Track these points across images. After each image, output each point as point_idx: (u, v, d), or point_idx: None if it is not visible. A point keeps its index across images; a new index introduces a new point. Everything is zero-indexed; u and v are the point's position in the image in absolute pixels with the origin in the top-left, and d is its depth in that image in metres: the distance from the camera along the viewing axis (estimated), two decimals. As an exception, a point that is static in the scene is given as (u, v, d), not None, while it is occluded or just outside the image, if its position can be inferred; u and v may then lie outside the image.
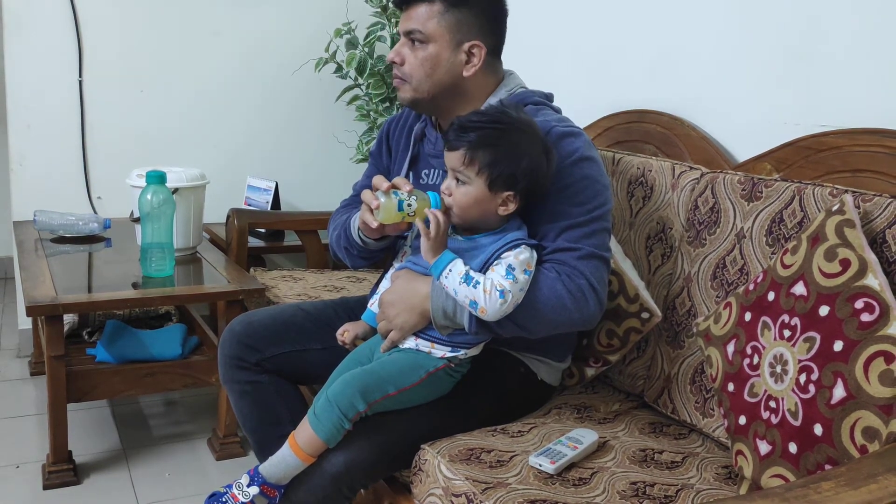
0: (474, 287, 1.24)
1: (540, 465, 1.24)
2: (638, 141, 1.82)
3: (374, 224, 1.33)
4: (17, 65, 2.53)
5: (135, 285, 2.01)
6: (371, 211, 1.34)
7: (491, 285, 1.24)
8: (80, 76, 2.59)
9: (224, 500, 1.24)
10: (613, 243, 1.59)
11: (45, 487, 1.89)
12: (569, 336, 1.55)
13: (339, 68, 2.76)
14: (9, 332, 2.80)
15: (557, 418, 1.48)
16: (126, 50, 2.66)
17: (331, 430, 1.24)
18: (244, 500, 1.23)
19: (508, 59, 1.64)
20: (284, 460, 1.26)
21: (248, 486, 1.24)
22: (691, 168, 1.56)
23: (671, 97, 1.80)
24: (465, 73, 1.46)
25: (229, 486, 1.26)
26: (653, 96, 1.84)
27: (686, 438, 1.43)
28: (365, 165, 2.74)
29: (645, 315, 1.51)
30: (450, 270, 1.26)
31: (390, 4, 2.67)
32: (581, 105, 1.93)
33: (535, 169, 1.29)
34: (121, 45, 2.65)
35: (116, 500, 1.88)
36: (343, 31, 2.73)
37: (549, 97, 1.55)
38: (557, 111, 1.52)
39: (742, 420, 1.22)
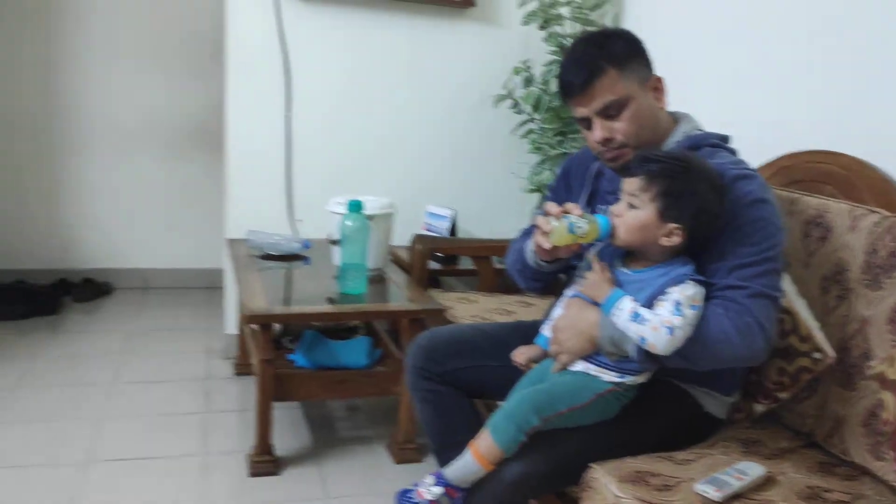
0: (642, 324, 1.33)
1: (706, 493, 1.30)
2: (816, 181, 1.82)
3: (547, 246, 1.44)
4: (235, 102, 2.89)
5: (330, 300, 2.25)
6: (544, 234, 1.46)
7: (659, 322, 1.32)
8: (288, 112, 2.92)
9: (411, 496, 1.40)
10: (788, 283, 1.62)
11: (251, 475, 2.16)
12: (736, 371, 1.60)
13: (515, 104, 2.92)
14: (217, 337, 3.18)
15: (724, 451, 1.52)
16: (327, 91, 2.95)
17: (508, 440, 1.38)
18: (430, 498, 1.39)
19: (687, 99, 1.73)
20: (466, 465, 1.40)
21: (434, 486, 1.40)
22: (871, 211, 1.56)
23: (852, 137, 1.79)
24: (660, 106, 1.56)
25: (416, 485, 1.42)
26: (832, 136, 1.84)
27: (856, 480, 1.43)
28: (535, 196, 2.90)
29: (817, 355, 1.53)
30: (619, 309, 1.36)
31: (566, 43, 2.80)
32: (758, 144, 1.96)
33: (705, 208, 1.37)
34: (323, 86, 2.94)
35: (309, 492, 2.12)
36: (521, 70, 2.90)
37: (725, 139, 1.60)
38: (733, 153, 1.57)
39: (917, 466, 1.23)
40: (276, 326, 2.52)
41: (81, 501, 1.99)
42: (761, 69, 2.11)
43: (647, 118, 1.52)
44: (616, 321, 1.36)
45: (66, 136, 3.72)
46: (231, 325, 3.02)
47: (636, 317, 1.34)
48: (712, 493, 1.30)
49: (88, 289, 3.70)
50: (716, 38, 2.30)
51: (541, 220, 1.47)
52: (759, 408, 1.64)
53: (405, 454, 2.28)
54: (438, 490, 1.39)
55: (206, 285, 3.86)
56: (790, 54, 2.01)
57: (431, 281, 2.78)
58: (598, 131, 1.52)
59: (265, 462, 2.17)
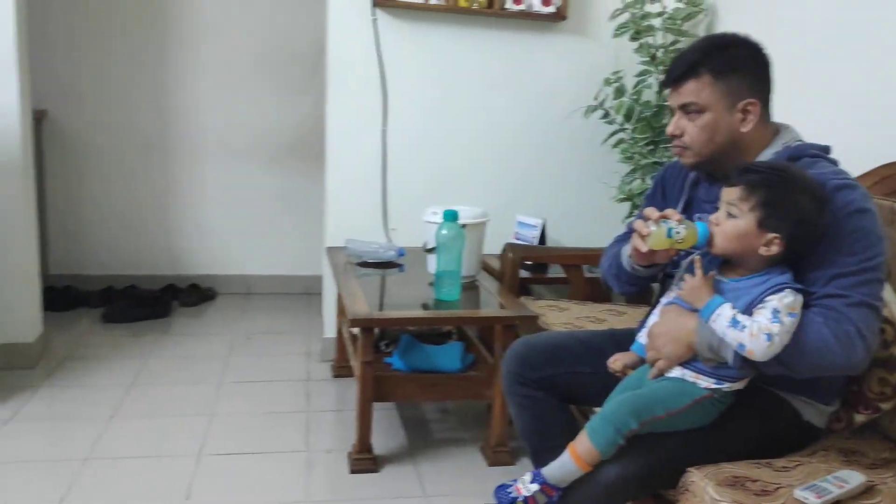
0: (741, 331, 1.35)
1: (806, 499, 1.32)
2: (919, 190, 1.80)
3: (644, 249, 1.49)
4: (335, 117, 3.03)
5: (424, 306, 2.34)
6: (642, 238, 1.50)
7: (758, 329, 1.34)
8: (384, 126, 3.04)
9: (510, 490, 1.47)
10: (889, 293, 1.61)
11: (352, 472, 2.27)
12: (836, 380, 1.59)
13: (606, 114, 2.95)
14: (316, 340, 3.32)
15: (823, 459, 1.52)
16: (421, 105, 3.06)
17: (606, 443, 1.42)
18: (526, 494, 1.44)
19: (784, 110, 1.73)
20: (564, 465, 1.45)
21: (531, 482, 1.46)
22: (978, 220, 1.53)
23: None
24: (742, 130, 1.57)
25: (514, 481, 1.49)
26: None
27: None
28: (625, 205, 2.92)
29: (921, 366, 1.51)
30: (718, 315, 1.38)
31: (658, 54, 2.82)
32: (858, 153, 1.94)
33: (805, 218, 1.38)
34: (417, 100, 3.05)
35: (406, 490, 2.21)
36: (612, 80, 2.93)
37: (826, 150, 1.60)
38: (834, 163, 1.57)
39: None
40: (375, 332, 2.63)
41: (195, 491, 2.14)
42: (859, 78, 2.09)
43: (719, 133, 1.55)
44: (715, 327, 1.39)
45: (177, 151, 3.98)
46: (329, 328, 3.15)
47: (735, 323, 1.37)
48: (812, 499, 1.31)
49: (194, 294, 3.93)
50: (811, 46, 2.28)
51: (639, 224, 1.51)
52: (860, 418, 1.63)
53: (498, 457, 2.34)
54: (535, 487, 1.45)
55: (305, 291, 4.04)
56: (889, 63, 1.98)
57: (522, 289, 2.83)
58: (672, 124, 1.60)
59: (365, 460, 2.28)
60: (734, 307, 1.39)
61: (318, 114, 3.37)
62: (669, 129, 1.62)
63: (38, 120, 3.61)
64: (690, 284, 1.47)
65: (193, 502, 2.08)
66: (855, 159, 1.91)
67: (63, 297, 3.69)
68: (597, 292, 2.72)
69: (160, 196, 4.00)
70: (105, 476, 2.19)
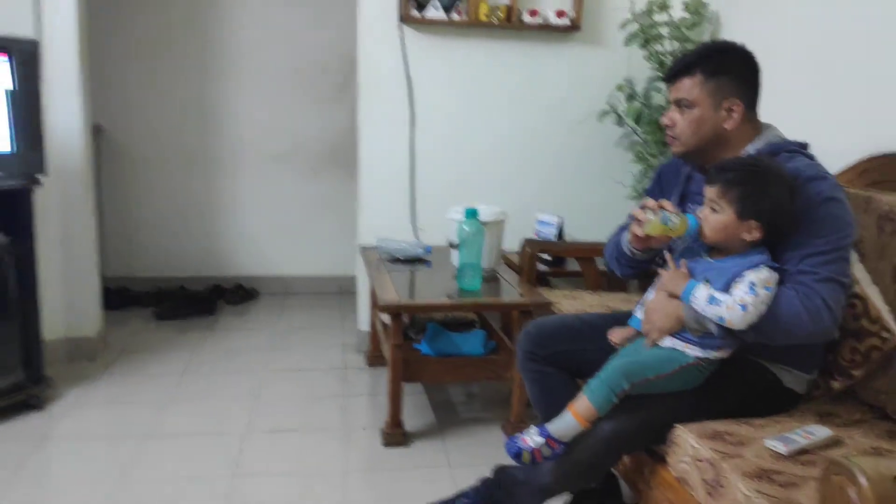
0: (718, 305, 1.56)
1: (775, 447, 1.51)
2: (893, 181, 1.97)
3: (641, 234, 1.71)
4: (367, 125, 3.27)
5: (449, 296, 2.57)
6: (640, 224, 1.71)
7: (733, 302, 1.55)
8: (412, 133, 3.28)
9: (518, 441, 1.68)
10: (861, 271, 1.80)
11: (385, 445, 2.50)
12: (814, 350, 1.78)
13: (618, 118, 3.15)
14: (350, 333, 3.57)
15: (799, 420, 1.70)
16: (446, 112, 3.29)
17: (602, 401, 1.63)
18: (533, 446, 1.66)
19: (770, 108, 1.93)
20: (566, 422, 1.66)
21: (537, 436, 1.67)
22: (938, 205, 1.71)
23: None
24: (725, 127, 1.78)
25: (521, 434, 1.70)
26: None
27: (921, 445, 1.58)
28: (638, 202, 3.11)
29: (885, 335, 1.70)
30: (695, 296, 1.59)
31: (666, 60, 3.01)
32: (839, 148, 2.13)
33: (779, 205, 1.58)
34: (442, 108, 3.28)
35: (434, 461, 2.43)
36: (624, 87, 3.13)
37: (804, 146, 1.79)
38: (810, 158, 1.76)
39: (966, 425, 1.39)
40: (404, 320, 2.86)
41: (244, 462, 2.38)
42: (843, 80, 2.27)
43: (704, 128, 1.76)
44: (695, 306, 1.59)
45: (220, 161, 4.27)
46: (364, 322, 3.39)
47: (712, 300, 1.57)
48: (780, 447, 1.50)
49: (238, 293, 4.20)
50: (801, 51, 2.46)
51: (638, 212, 1.73)
52: (836, 385, 1.81)
53: (519, 431, 2.54)
54: (541, 440, 1.66)
55: (340, 290, 4.31)
56: (869, 68, 2.16)
57: (541, 281, 3.04)
58: (666, 116, 1.83)
59: (396, 434, 2.50)
60: (710, 285, 1.59)
61: (351, 123, 3.62)
62: (662, 120, 1.86)
63: (94, 134, 3.91)
64: (667, 276, 1.68)
65: (243, 471, 2.32)
66: (838, 154, 2.12)
67: (118, 297, 3.99)
68: (610, 283, 2.93)
69: (205, 203, 4.29)
70: (163, 450, 2.45)
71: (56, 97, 2.99)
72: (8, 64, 2.56)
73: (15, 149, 2.60)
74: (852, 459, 1.03)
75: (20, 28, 2.85)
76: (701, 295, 1.59)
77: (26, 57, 2.61)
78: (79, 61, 3.06)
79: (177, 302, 3.96)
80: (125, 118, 4.13)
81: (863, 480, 1.01)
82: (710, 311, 1.57)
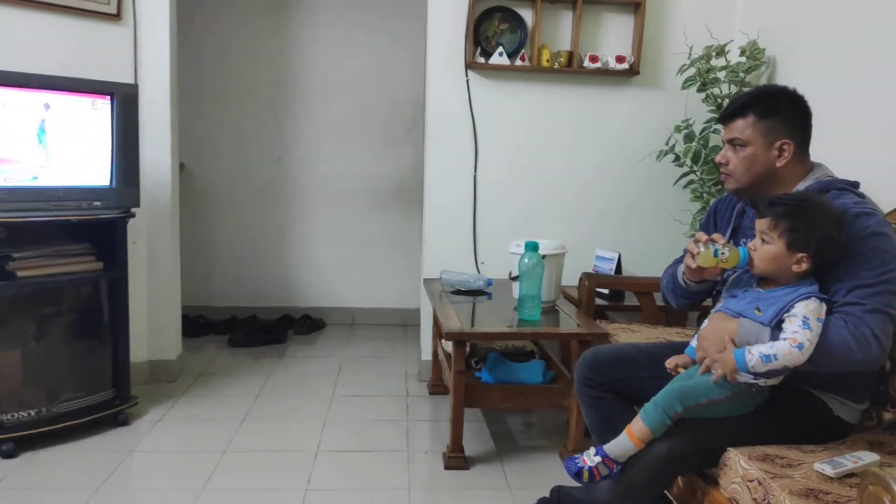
0: (775, 359, 1.63)
1: (823, 470, 1.57)
2: (947, 219, 2.03)
3: (693, 265, 1.80)
4: (433, 164, 3.45)
5: (509, 326, 2.69)
6: (693, 257, 1.81)
7: (788, 346, 1.61)
8: (475, 172, 3.44)
9: (577, 460, 1.78)
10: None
11: (446, 468, 2.61)
12: (866, 380, 1.83)
13: (676, 158, 3.25)
14: (413, 363, 3.72)
15: (849, 447, 1.75)
16: (508, 152, 3.45)
17: (656, 423, 1.72)
18: (591, 464, 1.75)
19: (823, 150, 2.01)
20: (622, 443, 1.75)
21: (595, 455, 1.77)
22: None
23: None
24: (777, 165, 1.88)
25: (581, 454, 1.80)
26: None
27: (971, 476, 1.62)
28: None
29: (935, 366, 1.74)
30: (749, 363, 1.64)
31: (724, 103, 3.11)
32: (892, 189, 2.20)
33: (827, 237, 1.67)
34: (504, 148, 3.44)
35: (493, 483, 2.53)
36: (682, 127, 3.23)
37: (855, 184, 1.87)
38: (860, 196, 1.84)
39: None
40: (466, 349, 2.98)
41: (314, 479, 2.52)
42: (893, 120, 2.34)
43: (757, 165, 1.85)
44: (756, 371, 1.65)
45: (291, 196, 4.51)
46: (426, 352, 3.53)
47: (766, 359, 1.63)
48: (828, 470, 1.56)
49: (306, 324, 4.40)
50: (858, 97, 2.53)
51: (691, 245, 1.84)
52: (888, 416, 1.86)
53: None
54: (598, 459, 1.75)
55: (403, 322, 4.47)
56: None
57: (599, 315, 3.14)
58: (721, 154, 1.93)
59: (457, 458, 2.61)
60: (751, 350, 1.65)
61: (417, 162, 3.82)
62: (717, 158, 1.96)
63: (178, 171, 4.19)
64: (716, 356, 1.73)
65: (314, 487, 2.46)
66: (891, 194, 2.19)
67: (194, 324, 4.23)
68: (668, 318, 3.00)
69: (277, 237, 4.53)
70: (240, 465, 2.61)
71: (149, 137, 3.26)
72: (110, 106, 2.83)
73: (113, 183, 2.85)
74: (887, 470, 1.11)
75: (121, 73, 3.13)
76: (753, 360, 1.64)
77: (126, 100, 2.87)
78: (170, 105, 3.33)
79: (249, 330, 4.17)
80: (206, 157, 4.42)
81: (897, 489, 1.09)
82: (772, 368, 1.63)
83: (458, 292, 3.13)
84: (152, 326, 3.42)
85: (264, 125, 4.44)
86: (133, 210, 2.96)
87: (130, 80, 3.18)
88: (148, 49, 3.25)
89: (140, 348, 3.35)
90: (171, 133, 3.36)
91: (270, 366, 3.73)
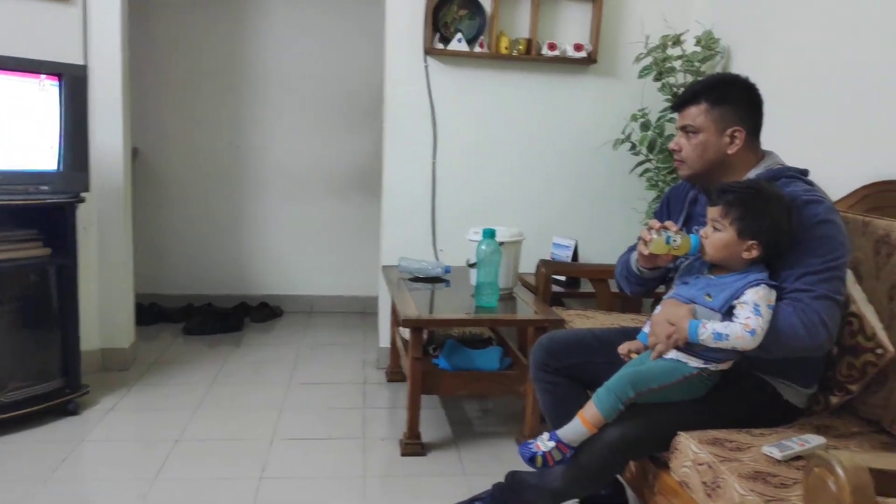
0: (726, 339, 1.66)
1: (770, 453, 1.61)
2: (891, 206, 2.07)
3: (646, 252, 1.82)
4: (391, 151, 3.43)
5: (466, 313, 2.69)
6: (645, 244, 1.83)
7: (741, 330, 1.64)
8: (434, 158, 3.43)
9: (531, 446, 1.79)
10: (858, 291, 1.90)
11: (403, 455, 2.61)
12: (812, 365, 1.87)
13: (632, 146, 3.28)
14: (371, 350, 3.70)
15: (798, 432, 1.79)
16: (467, 139, 3.44)
17: (609, 408, 1.73)
18: (545, 449, 1.76)
19: (775, 137, 2.04)
20: (575, 428, 1.77)
21: (548, 441, 1.77)
22: (929, 229, 1.81)
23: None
24: (728, 152, 1.90)
25: (535, 439, 1.80)
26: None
27: (912, 456, 1.67)
28: (649, 226, 3.23)
29: (879, 351, 1.79)
30: (700, 336, 1.68)
31: (679, 92, 3.14)
32: (840, 176, 2.24)
33: (776, 224, 1.70)
34: (463, 135, 3.43)
35: (449, 468, 2.53)
36: (638, 116, 3.26)
37: (804, 172, 1.91)
38: (809, 184, 1.87)
39: (949, 433, 1.48)
40: (424, 336, 2.98)
41: (270, 467, 2.49)
42: (846, 111, 2.38)
43: (709, 152, 1.88)
44: (704, 341, 1.68)
45: (248, 182, 4.44)
46: (384, 339, 3.52)
47: (718, 336, 1.66)
48: (776, 453, 1.60)
49: (263, 311, 4.35)
50: (808, 86, 2.58)
51: (644, 232, 1.85)
52: (835, 399, 1.90)
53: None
54: (551, 444, 1.76)
55: (362, 310, 4.45)
56: (868, 98, 2.28)
57: (555, 302, 3.15)
58: (674, 141, 1.95)
59: (414, 444, 2.61)
60: (705, 324, 1.68)
61: (376, 149, 3.79)
62: (671, 145, 1.98)
63: (132, 157, 4.09)
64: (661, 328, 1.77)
65: (268, 475, 2.44)
66: (839, 181, 2.23)
67: (148, 312, 4.15)
68: (622, 304, 3.04)
69: (234, 224, 4.46)
70: (193, 454, 2.57)
71: (100, 120, 3.17)
72: (58, 87, 2.75)
73: (61, 167, 2.77)
74: (832, 452, 1.13)
75: (70, 54, 3.04)
76: (705, 335, 1.68)
77: (75, 81, 2.79)
78: (122, 87, 3.25)
79: (204, 318, 4.10)
80: (160, 142, 4.32)
81: (840, 471, 1.11)
82: (721, 345, 1.67)
83: (416, 279, 3.12)
84: (104, 314, 3.34)
85: (221, 110, 4.36)
86: (83, 195, 2.88)
87: (80, 62, 3.09)
88: (98, 30, 3.16)
89: (91, 336, 3.27)
90: (123, 116, 3.28)
91: (226, 354, 3.68)
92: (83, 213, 3.02)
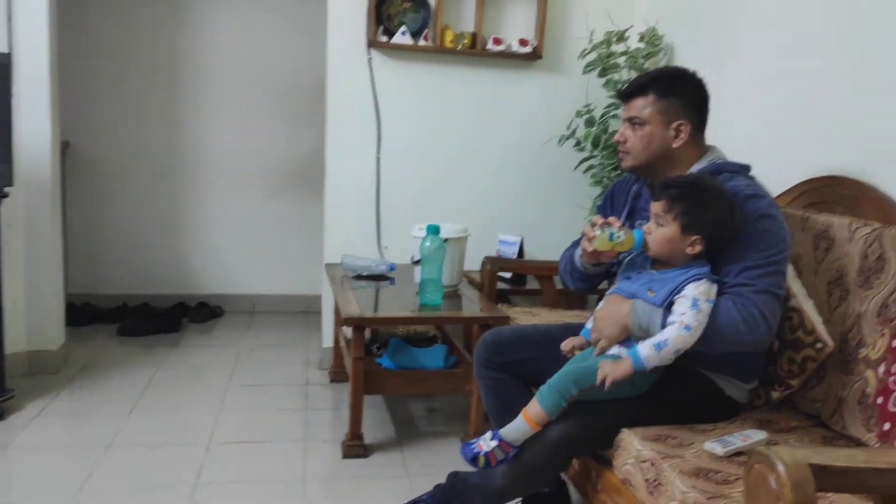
0: (667, 345, 1.63)
1: (713, 450, 1.60)
2: (829, 202, 2.09)
3: (590, 249, 1.80)
4: (334, 146, 3.35)
5: (411, 311, 2.63)
6: (589, 240, 1.80)
7: (677, 330, 1.62)
8: (378, 153, 3.36)
9: (473, 446, 1.75)
10: (798, 286, 1.91)
11: (344, 456, 2.54)
12: (754, 361, 1.87)
13: (577, 143, 3.27)
14: (315, 350, 3.61)
15: (739, 426, 1.79)
16: (411, 134, 3.38)
17: (552, 405, 1.70)
18: (487, 449, 1.73)
19: (718, 133, 2.04)
20: (518, 426, 1.73)
21: (491, 440, 1.74)
22: (866, 224, 1.82)
23: (859, 162, 2.06)
24: (673, 145, 1.89)
25: (477, 439, 1.77)
26: (844, 161, 2.11)
27: (851, 450, 1.68)
28: (594, 222, 3.23)
29: (819, 345, 1.80)
30: (644, 357, 1.65)
31: (623, 88, 3.14)
32: (781, 172, 2.26)
33: (719, 220, 1.69)
34: (408, 131, 3.37)
35: (392, 470, 2.48)
36: (583, 112, 3.25)
37: (746, 167, 1.91)
38: (750, 178, 1.88)
39: (886, 426, 1.49)
40: (367, 335, 2.91)
41: (206, 473, 2.40)
42: (787, 109, 2.40)
43: (654, 144, 1.87)
44: (651, 364, 1.66)
45: (187, 179, 4.30)
46: (327, 339, 3.44)
47: (658, 346, 1.64)
48: (718, 449, 1.59)
49: (203, 311, 4.22)
50: (750, 84, 2.59)
51: (587, 229, 1.83)
52: (775, 394, 1.91)
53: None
54: (494, 444, 1.73)
55: (305, 309, 4.35)
56: (808, 98, 2.30)
57: (501, 299, 3.12)
58: (619, 133, 1.94)
59: (356, 446, 2.55)
60: (642, 345, 1.66)
61: (318, 144, 3.70)
62: (616, 136, 1.97)
63: (62, 150, 3.93)
64: (607, 366, 1.70)
65: (204, 481, 2.35)
66: (780, 177, 2.25)
67: (81, 313, 3.98)
68: (567, 301, 3.02)
69: (171, 221, 4.32)
70: (125, 461, 2.46)
71: (25, 111, 3.03)
72: (-22, 77, 2.61)
73: (-18, 161, 2.63)
74: (772, 449, 1.11)
75: (-9, 42, 2.89)
76: (647, 352, 1.65)
77: (-3, 70, 2.65)
78: (50, 77, 3.10)
79: (140, 318, 3.96)
80: (92, 134, 4.15)
81: (780, 467, 1.09)
82: (664, 356, 1.65)
83: (360, 277, 3.05)
84: (31, 315, 3.19)
85: (158, 104, 4.21)
86: (6, 190, 2.74)
87: (3, 49, 2.93)
88: (23, 15, 3.01)
89: (18, 338, 3.12)
90: (52, 107, 3.13)
91: (162, 356, 3.55)
92: (7, 209, 2.87)
